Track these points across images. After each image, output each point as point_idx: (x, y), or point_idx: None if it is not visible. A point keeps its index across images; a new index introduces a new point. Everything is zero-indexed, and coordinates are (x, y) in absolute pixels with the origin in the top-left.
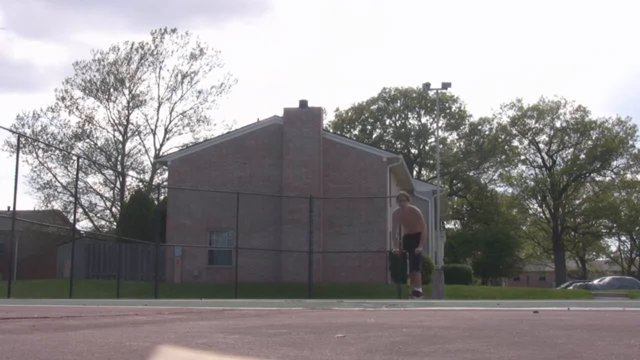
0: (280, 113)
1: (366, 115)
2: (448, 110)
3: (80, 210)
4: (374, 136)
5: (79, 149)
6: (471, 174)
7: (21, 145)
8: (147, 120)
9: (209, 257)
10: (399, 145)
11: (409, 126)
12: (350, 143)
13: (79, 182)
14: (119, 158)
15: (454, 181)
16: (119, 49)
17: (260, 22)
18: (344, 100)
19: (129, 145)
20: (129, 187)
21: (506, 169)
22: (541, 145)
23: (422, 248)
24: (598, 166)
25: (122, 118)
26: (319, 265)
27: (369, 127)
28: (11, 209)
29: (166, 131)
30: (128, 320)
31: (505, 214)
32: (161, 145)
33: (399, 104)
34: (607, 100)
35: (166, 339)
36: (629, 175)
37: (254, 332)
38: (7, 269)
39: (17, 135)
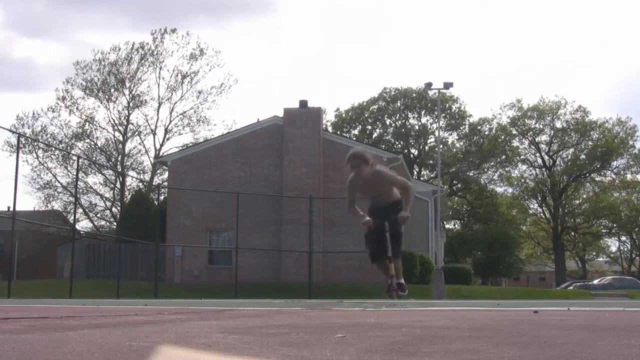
0: (280, 113)
1: (366, 115)
2: (448, 110)
3: (80, 210)
4: (374, 136)
5: (79, 149)
6: (471, 174)
7: (21, 145)
8: (147, 121)
9: (209, 257)
10: (399, 145)
11: (409, 126)
12: (350, 143)
13: (79, 182)
14: (119, 158)
15: (454, 181)
16: (120, 49)
17: (262, 22)
18: (344, 100)
19: (129, 146)
20: (129, 187)
21: (506, 169)
22: (542, 146)
23: (408, 214)
24: (598, 166)
25: (122, 118)
26: (319, 265)
27: (369, 127)
28: (11, 209)
29: (166, 131)
30: (128, 320)
31: (505, 214)
32: (161, 145)
33: (399, 104)
34: (608, 100)
35: (166, 339)
36: (629, 176)
37: (254, 332)
38: (7, 269)
39: (17, 135)
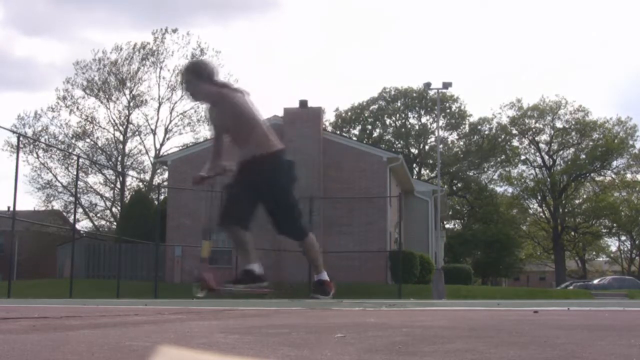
0: (280, 113)
1: (366, 115)
2: (448, 110)
3: (80, 210)
4: (374, 136)
5: (79, 149)
6: (471, 173)
7: (22, 145)
8: (147, 120)
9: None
10: (399, 145)
11: (409, 126)
12: (350, 143)
13: (79, 182)
14: (119, 158)
15: (454, 181)
16: (121, 49)
17: (264, 21)
18: (344, 100)
19: (129, 145)
20: (129, 187)
21: (506, 169)
22: (542, 145)
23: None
24: (598, 166)
25: (123, 118)
26: None
27: (369, 126)
28: (11, 209)
29: (166, 131)
30: (128, 320)
31: (505, 214)
32: (161, 145)
33: (399, 104)
34: (608, 100)
35: (166, 339)
36: (629, 175)
37: (254, 332)
38: (7, 269)
39: (17, 135)
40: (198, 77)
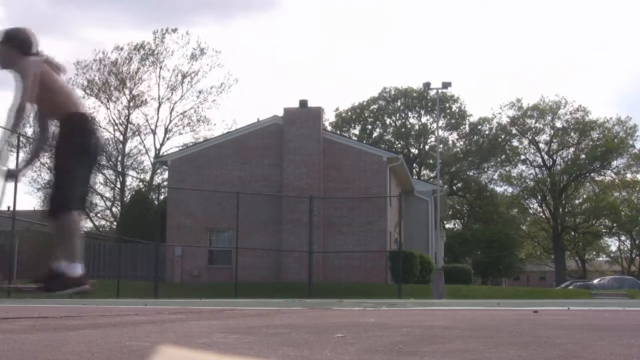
0: (280, 113)
1: (366, 114)
2: (448, 110)
3: None
4: (374, 136)
5: None
6: (471, 173)
7: (21, 145)
8: (147, 120)
9: (209, 257)
10: (399, 145)
11: (409, 126)
12: (350, 143)
13: None
14: (119, 158)
15: (454, 181)
16: (122, 49)
17: (265, 20)
18: (344, 100)
19: (129, 145)
20: (129, 187)
21: (506, 169)
22: (541, 145)
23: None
24: (598, 166)
25: (123, 118)
26: (319, 265)
27: (369, 126)
28: (11, 209)
29: (166, 131)
30: (128, 320)
31: (505, 213)
32: (161, 145)
33: (399, 104)
34: (608, 100)
35: (166, 339)
36: (629, 175)
37: (254, 332)
38: (7, 269)
39: (17, 135)
40: (13, 44)
